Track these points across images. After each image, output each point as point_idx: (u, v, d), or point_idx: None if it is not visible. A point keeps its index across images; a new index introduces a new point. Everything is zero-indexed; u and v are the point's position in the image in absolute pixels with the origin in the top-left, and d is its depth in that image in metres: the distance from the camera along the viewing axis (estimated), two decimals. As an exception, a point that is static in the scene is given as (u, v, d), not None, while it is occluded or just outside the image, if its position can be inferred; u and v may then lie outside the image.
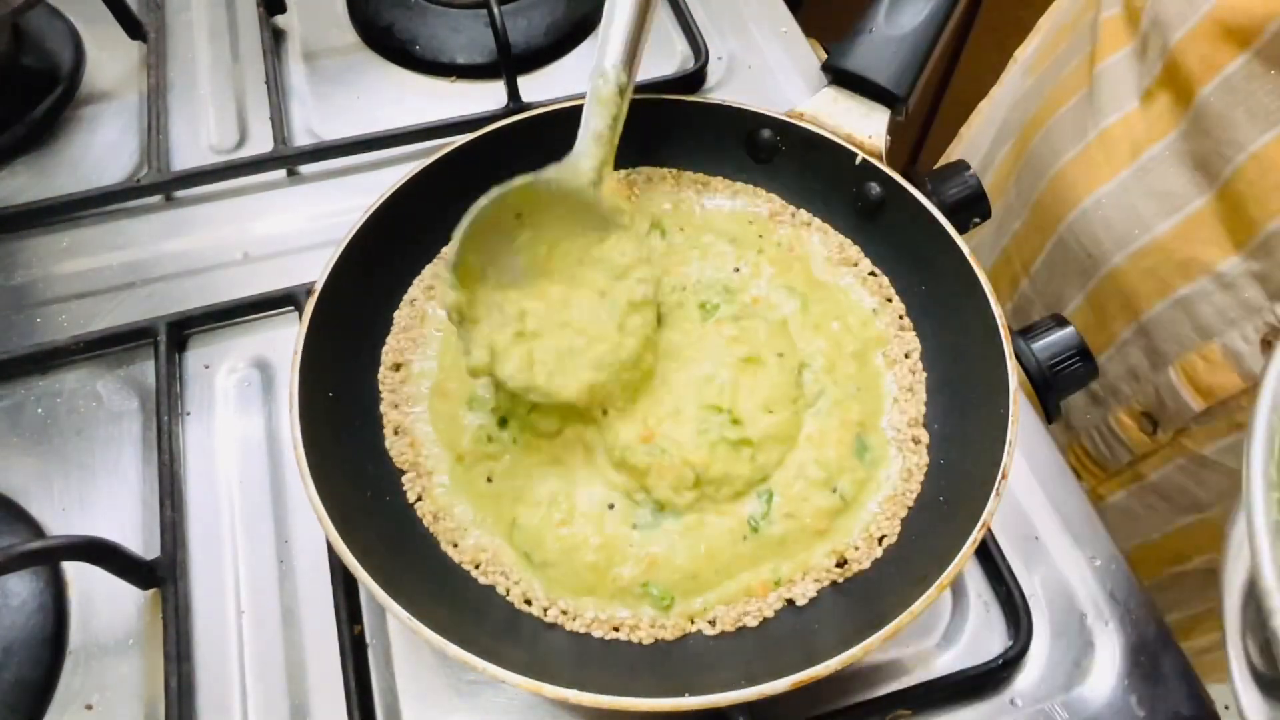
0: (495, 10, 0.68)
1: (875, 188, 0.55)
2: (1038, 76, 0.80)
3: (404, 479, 0.50)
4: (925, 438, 0.51)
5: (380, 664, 0.49)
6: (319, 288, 0.49)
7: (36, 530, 0.52)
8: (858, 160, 0.55)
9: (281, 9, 0.78)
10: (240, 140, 0.71)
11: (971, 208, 0.60)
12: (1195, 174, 0.60)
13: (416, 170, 0.54)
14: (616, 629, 0.46)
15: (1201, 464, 0.67)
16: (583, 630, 0.46)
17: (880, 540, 0.48)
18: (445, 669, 0.49)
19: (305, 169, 0.69)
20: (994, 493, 0.43)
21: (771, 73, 0.76)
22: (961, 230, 0.59)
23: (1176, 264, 0.62)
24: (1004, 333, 0.48)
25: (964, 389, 0.51)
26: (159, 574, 0.50)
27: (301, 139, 0.70)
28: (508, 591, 0.47)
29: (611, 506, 0.48)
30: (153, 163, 0.66)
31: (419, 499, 0.49)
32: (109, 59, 0.75)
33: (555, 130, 0.57)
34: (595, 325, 0.48)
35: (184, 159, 0.69)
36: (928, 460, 0.51)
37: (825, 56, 0.78)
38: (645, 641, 0.45)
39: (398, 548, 0.47)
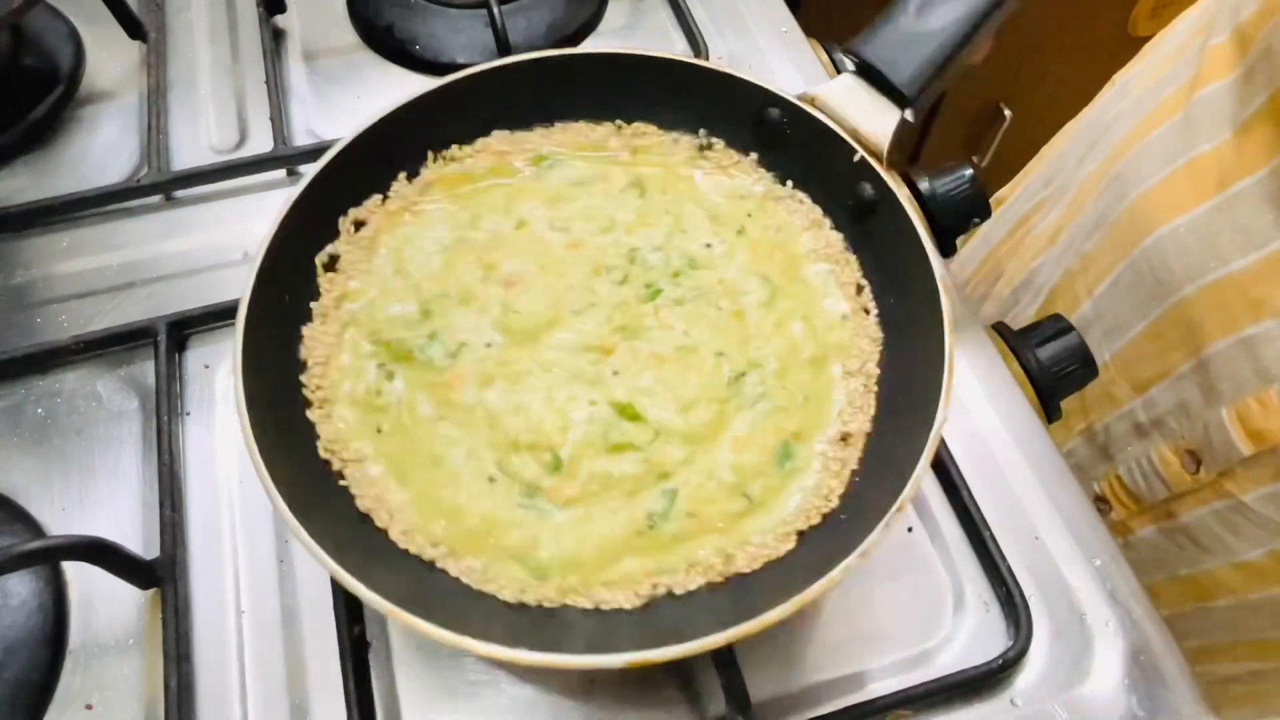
0: (495, 10, 0.68)
1: (869, 189, 0.53)
2: (1133, 100, 0.79)
3: (313, 399, 0.49)
4: (854, 458, 0.49)
5: (380, 664, 0.49)
6: (280, 217, 0.49)
7: (36, 530, 0.52)
8: (855, 158, 0.53)
9: (281, 9, 0.78)
10: (240, 140, 0.70)
11: (971, 208, 0.60)
12: None
13: (394, 106, 0.53)
14: (488, 581, 0.45)
15: (1239, 511, 0.66)
16: (455, 574, 0.45)
17: (778, 547, 0.46)
18: (446, 669, 0.49)
19: (305, 169, 0.68)
20: (881, 526, 0.41)
21: (771, 73, 0.76)
22: (961, 230, 0.59)
23: (1248, 302, 0.61)
24: (948, 373, 0.45)
25: (902, 417, 0.48)
26: (159, 574, 0.50)
27: (301, 139, 0.70)
28: (389, 530, 0.46)
29: (492, 480, 0.47)
30: (153, 163, 0.66)
31: (323, 421, 0.48)
32: (109, 59, 0.75)
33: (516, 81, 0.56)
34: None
35: (184, 159, 0.69)
36: (847, 480, 0.48)
37: (825, 57, 0.78)
38: (511, 601, 0.44)
39: (309, 467, 0.46)
